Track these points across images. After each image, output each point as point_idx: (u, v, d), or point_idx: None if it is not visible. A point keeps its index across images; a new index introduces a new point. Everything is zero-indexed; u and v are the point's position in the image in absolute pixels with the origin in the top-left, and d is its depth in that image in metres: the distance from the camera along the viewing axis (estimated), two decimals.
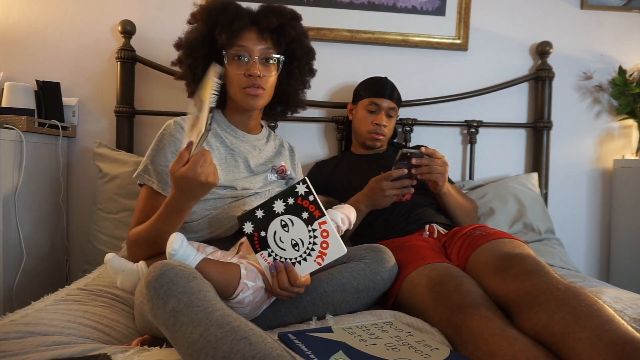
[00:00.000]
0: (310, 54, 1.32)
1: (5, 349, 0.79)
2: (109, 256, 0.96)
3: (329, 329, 0.95)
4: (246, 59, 1.18)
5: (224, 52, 1.19)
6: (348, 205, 1.14)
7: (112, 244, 1.64)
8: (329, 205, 1.24)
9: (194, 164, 0.89)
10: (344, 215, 1.08)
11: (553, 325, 0.84)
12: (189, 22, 1.25)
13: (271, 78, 1.21)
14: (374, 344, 0.87)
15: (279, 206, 0.95)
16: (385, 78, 1.72)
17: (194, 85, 1.25)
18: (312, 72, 1.35)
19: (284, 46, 1.23)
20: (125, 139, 1.81)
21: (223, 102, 1.29)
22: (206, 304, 0.76)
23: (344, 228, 1.07)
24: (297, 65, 1.28)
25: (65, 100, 1.80)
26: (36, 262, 1.64)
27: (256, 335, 0.71)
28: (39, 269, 1.66)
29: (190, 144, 0.90)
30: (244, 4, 1.24)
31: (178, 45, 1.26)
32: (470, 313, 0.93)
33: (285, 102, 1.34)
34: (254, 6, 1.24)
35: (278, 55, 1.21)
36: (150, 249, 1.05)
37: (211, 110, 0.87)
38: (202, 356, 0.70)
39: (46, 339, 0.84)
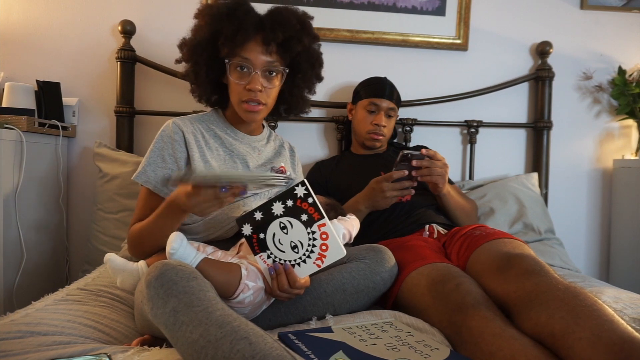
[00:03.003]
0: (317, 64, 1.28)
1: (6, 349, 0.79)
2: (109, 256, 0.96)
3: (329, 329, 0.95)
4: (248, 70, 1.16)
5: (226, 61, 1.17)
6: (353, 218, 1.13)
7: (112, 244, 1.64)
8: (330, 207, 1.24)
9: (198, 204, 0.93)
10: (346, 231, 1.08)
11: (553, 325, 0.84)
12: (195, 17, 1.21)
13: (273, 90, 1.19)
14: (374, 344, 0.87)
15: (277, 208, 0.94)
16: (385, 78, 1.72)
17: (196, 86, 1.25)
18: (318, 78, 1.32)
19: (289, 59, 1.20)
20: (125, 139, 1.81)
21: (225, 103, 1.28)
22: (206, 303, 0.76)
23: (343, 242, 1.06)
24: (302, 77, 1.26)
25: (65, 100, 1.80)
26: (36, 262, 1.64)
27: (256, 335, 0.72)
28: (39, 269, 1.66)
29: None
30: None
31: (181, 46, 1.24)
32: (470, 313, 0.93)
33: (289, 107, 1.33)
34: (262, 8, 1.18)
35: (282, 68, 1.19)
36: (151, 244, 1.07)
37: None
38: (202, 356, 0.70)
39: (46, 338, 0.84)
